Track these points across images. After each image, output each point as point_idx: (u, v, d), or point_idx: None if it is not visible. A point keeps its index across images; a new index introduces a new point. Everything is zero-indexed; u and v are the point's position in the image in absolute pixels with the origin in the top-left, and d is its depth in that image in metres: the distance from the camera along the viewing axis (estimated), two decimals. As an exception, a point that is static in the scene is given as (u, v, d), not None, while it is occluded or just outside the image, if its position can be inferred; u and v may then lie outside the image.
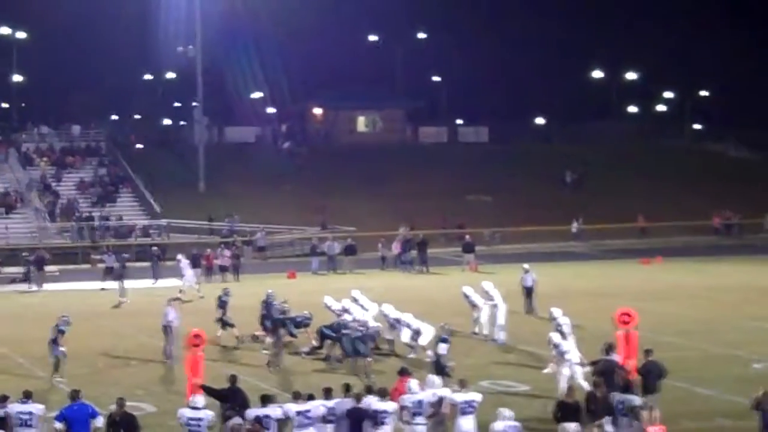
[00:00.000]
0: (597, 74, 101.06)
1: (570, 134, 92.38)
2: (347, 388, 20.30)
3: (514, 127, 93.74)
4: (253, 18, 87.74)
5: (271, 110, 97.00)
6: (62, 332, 28.59)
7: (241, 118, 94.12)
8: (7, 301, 45.74)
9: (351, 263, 54.60)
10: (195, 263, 48.00)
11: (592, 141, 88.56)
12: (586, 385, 23.35)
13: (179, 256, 46.73)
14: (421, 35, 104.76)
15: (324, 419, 19.60)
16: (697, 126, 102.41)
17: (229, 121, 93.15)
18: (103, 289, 46.86)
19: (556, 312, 28.96)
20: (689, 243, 64.34)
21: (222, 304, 33.69)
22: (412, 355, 29.85)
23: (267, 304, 31.96)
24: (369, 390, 20.25)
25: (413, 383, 20.32)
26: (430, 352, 26.80)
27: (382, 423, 19.38)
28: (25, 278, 49.86)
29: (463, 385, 20.77)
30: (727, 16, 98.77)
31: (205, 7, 73.63)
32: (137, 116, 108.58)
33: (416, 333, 30.21)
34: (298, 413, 19.31)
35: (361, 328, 29.20)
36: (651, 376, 22.14)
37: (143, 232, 63.09)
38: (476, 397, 20.36)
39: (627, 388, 20.49)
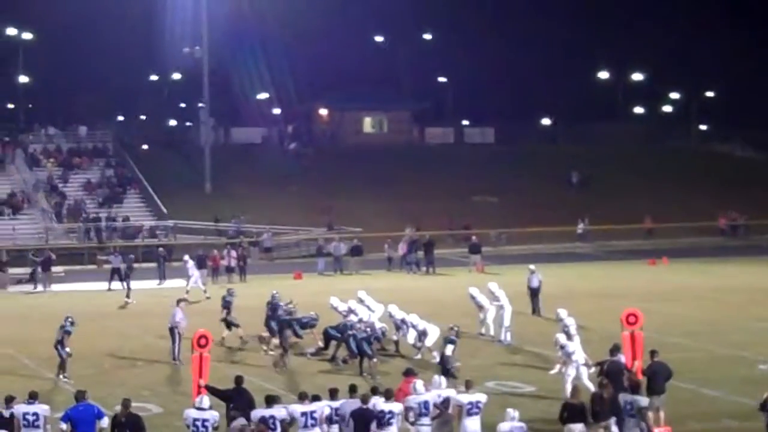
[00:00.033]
0: (603, 75, 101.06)
1: (576, 135, 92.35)
2: (353, 389, 20.30)
3: (520, 128, 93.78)
4: (259, 19, 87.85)
5: (277, 111, 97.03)
6: (68, 333, 28.63)
7: (247, 119, 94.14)
8: (14, 301, 45.85)
9: (357, 264, 54.62)
10: (201, 264, 48.05)
11: (598, 142, 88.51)
12: (591, 386, 23.34)
13: (185, 257, 46.78)
14: (427, 36, 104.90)
15: (329, 420, 19.61)
16: (703, 127, 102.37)
17: (236, 122, 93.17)
18: (109, 289, 46.92)
19: (562, 313, 28.97)
20: (695, 244, 64.29)
21: (226, 305, 33.69)
22: (417, 356, 29.86)
23: (272, 306, 31.95)
24: (374, 391, 20.25)
25: (418, 384, 20.31)
26: (435, 353, 26.78)
27: (388, 424, 19.37)
28: (31, 279, 49.91)
29: (468, 386, 20.78)
30: (727, 16, 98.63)
31: (212, 8, 73.68)
32: (143, 117, 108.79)
33: (422, 334, 30.18)
34: (303, 414, 19.32)
35: (366, 329, 29.22)
36: (658, 377, 22.14)
37: (150, 233, 63.17)
38: (482, 397, 20.36)
39: (635, 389, 20.47)
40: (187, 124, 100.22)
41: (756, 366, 28.73)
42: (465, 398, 20.20)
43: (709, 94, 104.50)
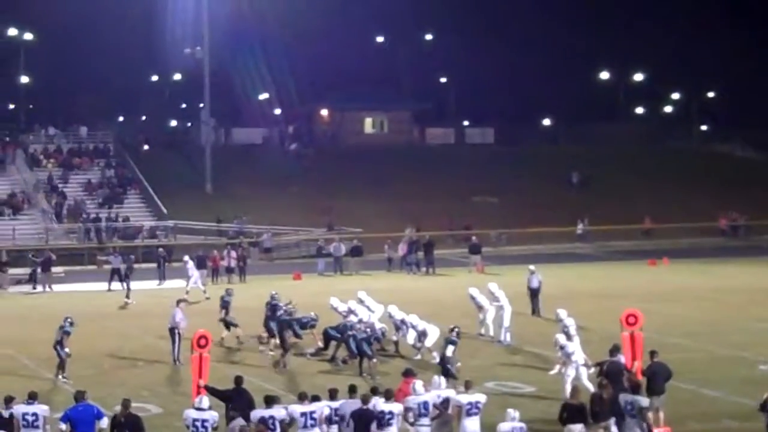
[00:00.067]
0: (603, 75, 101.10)
1: (577, 135, 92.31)
2: (352, 390, 20.30)
3: (520, 129, 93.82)
4: (260, 20, 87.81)
5: (277, 112, 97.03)
6: (67, 333, 28.63)
7: (248, 119, 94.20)
8: (14, 302, 45.84)
9: (357, 264, 54.61)
10: (200, 264, 48.06)
11: (599, 142, 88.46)
12: (591, 387, 23.34)
13: (185, 258, 46.78)
14: (428, 37, 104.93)
15: (329, 420, 19.60)
16: (703, 127, 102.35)
17: (236, 122, 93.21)
18: (109, 290, 46.92)
19: (562, 313, 28.97)
20: (695, 244, 64.26)
21: (224, 305, 33.69)
22: (417, 357, 29.86)
23: (271, 306, 31.93)
24: (374, 391, 20.25)
25: (418, 384, 20.29)
26: (435, 354, 26.74)
27: (388, 424, 19.36)
28: (30, 279, 49.90)
29: (468, 386, 20.79)
30: (727, 16, 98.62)
31: (213, 9, 73.66)
32: (144, 117, 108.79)
33: (422, 334, 30.17)
34: (303, 414, 19.32)
35: (366, 330, 29.22)
36: (657, 377, 22.15)
37: (150, 233, 63.17)
38: (481, 398, 20.36)
39: (636, 390, 20.47)
40: (188, 124, 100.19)
41: (756, 366, 28.72)
42: (464, 398, 20.20)
43: (710, 94, 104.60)
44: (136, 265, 49.00)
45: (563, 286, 44.28)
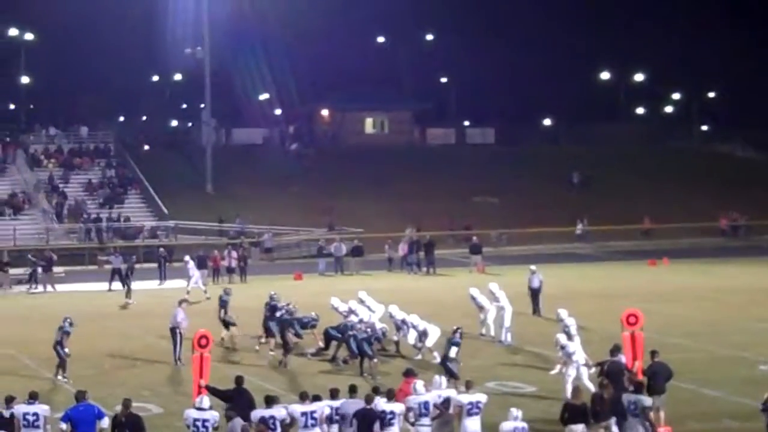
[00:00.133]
0: (604, 75, 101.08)
1: (577, 136, 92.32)
2: (353, 389, 20.30)
3: (521, 129, 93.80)
4: (260, 20, 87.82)
5: (278, 112, 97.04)
6: (67, 334, 28.65)
7: (248, 119, 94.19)
8: (14, 302, 45.85)
9: (358, 264, 54.61)
10: (201, 264, 48.06)
11: (599, 142, 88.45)
12: (591, 387, 23.35)
13: (186, 258, 46.79)
14: (429, 37, 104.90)
15: (329, 420, 19.61)
16: (704, 127, 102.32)
17: (237, 122, 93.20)
18: (110, 290, 46.93)
19: (563, 313, 29.00)
20: (696, 244, 64.25)
21: (223, 304, 33.69)
22: (418, 357, 29.86)
23: (270, 306, 31.92)
24: (376, 391, 20.26)
25: (419, 384, 20.31)
26: (436, 354, 26.73)
27: (390, 424, 19.38)
28: (30, 279, 49.89)
29: (469, 386, 20.80)
30: (727, 16, 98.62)
31: (213, 9, 73.68)
32: (145, 118, 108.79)
33: (422, 334, 30.17)
34: (303, 414, 19.32)
35: (367, 330, 29.23)
36: (658, 377, 22.16)
37: (151, 233, 63.18)
38: (482, 398, 20.37)
39: (638, 389, 20.48)
40: (189, 124, 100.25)
41: (756, 366, 28.74)
42: (465, 398, 20.21)
43: (710, 94, 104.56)
44: (137, 265, 49.00)
45: (564, 286, 44.27)
